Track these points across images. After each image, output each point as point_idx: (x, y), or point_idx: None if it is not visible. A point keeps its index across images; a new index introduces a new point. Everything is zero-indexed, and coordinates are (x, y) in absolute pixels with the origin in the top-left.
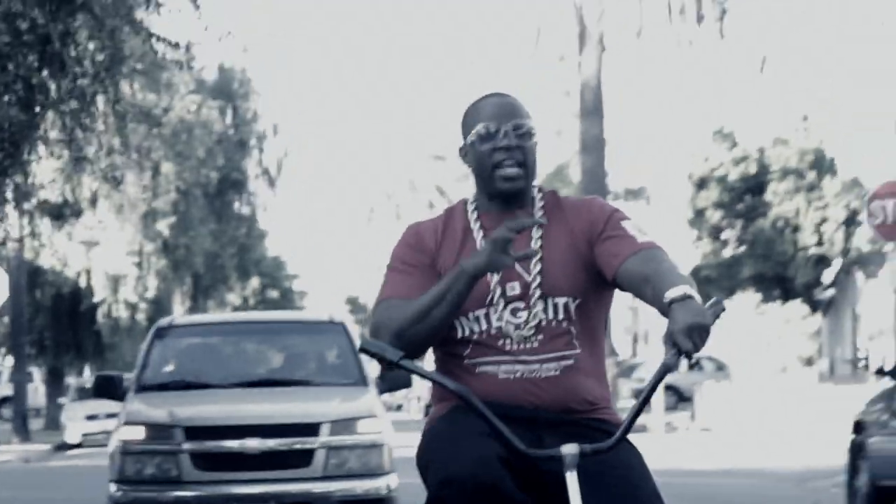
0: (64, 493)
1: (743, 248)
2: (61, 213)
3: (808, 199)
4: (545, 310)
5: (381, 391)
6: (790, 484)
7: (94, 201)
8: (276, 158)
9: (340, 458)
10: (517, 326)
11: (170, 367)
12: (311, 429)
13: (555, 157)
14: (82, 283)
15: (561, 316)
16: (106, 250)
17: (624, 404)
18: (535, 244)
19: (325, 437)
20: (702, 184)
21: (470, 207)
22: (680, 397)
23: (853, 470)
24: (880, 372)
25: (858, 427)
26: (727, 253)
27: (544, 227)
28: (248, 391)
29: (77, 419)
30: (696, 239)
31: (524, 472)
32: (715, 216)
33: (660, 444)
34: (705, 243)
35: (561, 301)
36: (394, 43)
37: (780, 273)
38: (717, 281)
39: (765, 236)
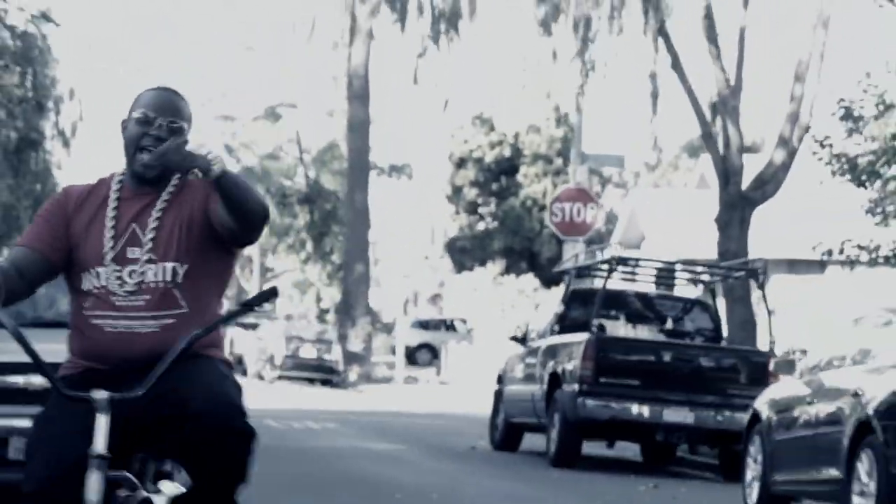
0: None
1: (495, 224)
2: None
3: (555, 182)
4: (155, 273)
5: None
6: (476, 424)
7: None
8: (72, 121)
9: None
10: (123, 284)
11: None
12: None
13: (326, 135)
14: None
15: (168, 278)
16: None
17: (379, 358)
18: (156, 215)
19: None
20: (461, 163)
21: (116, 179)
22: (434, 354)
23: (495, 411)
24: (514, 339)
25: (500, 379)
26: (481, 227)
27: (168, 202)
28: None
29: None
30: (455, 213)
31: (132, 433)
32: (471, 193)
33: (397, 393)
34: (462, 217)
35: (169, 266)
36: (176, 16)
37: (527, 247)
38: (471, 251)
39: (515, 213)
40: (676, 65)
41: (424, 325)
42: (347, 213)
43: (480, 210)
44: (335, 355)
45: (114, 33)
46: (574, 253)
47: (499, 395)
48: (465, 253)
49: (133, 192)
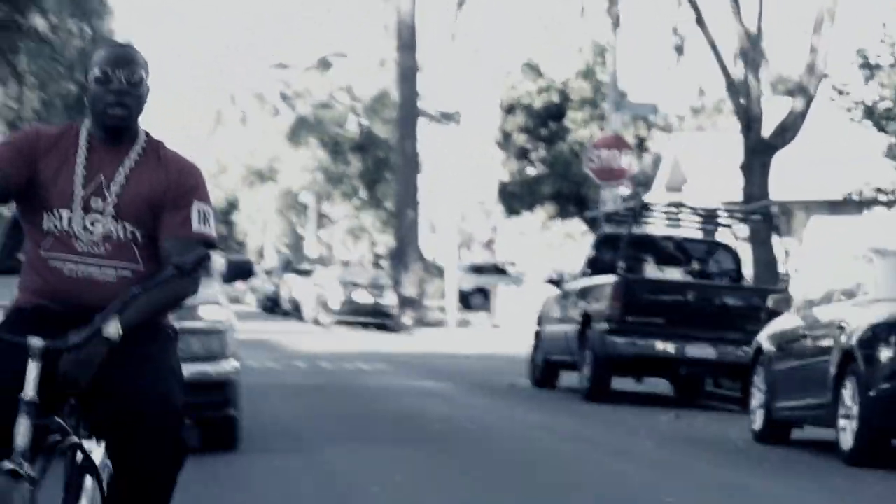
0: None
1: (544, 169)
2: None
3: (601, 127)
4: (116, 228)
5: (225, 281)
6: (521, 364)
7: None
8: None
9: (184, 343)
10: (88, 231)
11: None
12: None
13: (377, 83)
14: None
15: (129, 237)
16: None
17: (433, 303)
18: (124, 172)
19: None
20: (510, 110)
21: (84, 131)
22: (487, 298)
23: (534, 350)
24: (550, 281)
25: (539, 320)
26: (531, 172)
27: (138, 164)
28: None
29: None
30: (504, 159)
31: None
32: (521, 139)
33: (449, 336)
34: (512, 163)
35: (129, 227)
36: None
37: (574, 191)
38: (521, 196)
39: (563, 158)
40: (700, 20)
41: (478, 269)
42: (398, 161)
43: (530, 156)
44: (389, 300)
45: None
46: (611, 198)
47: (537, 336)
48: (515, 198)
49: (101, 145)
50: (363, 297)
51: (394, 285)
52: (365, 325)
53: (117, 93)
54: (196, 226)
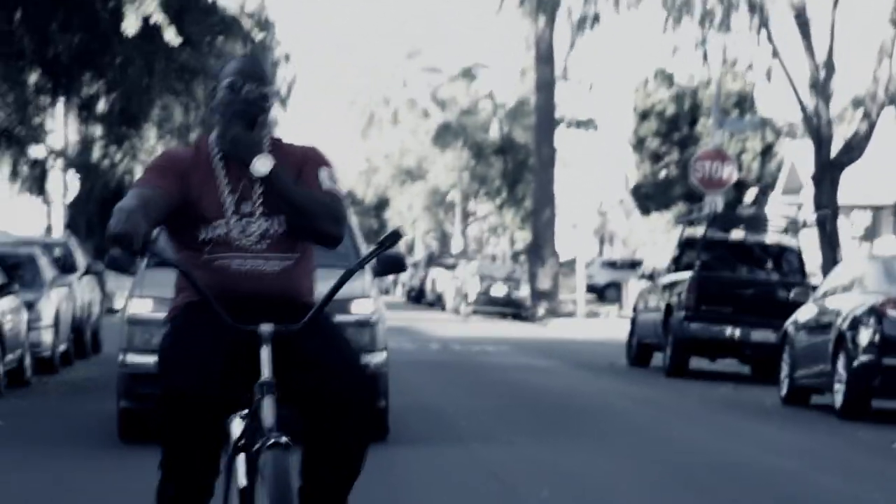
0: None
1: (676, 171)
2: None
3: (731, 133)
4: (270, 225)
5: (376, 274)
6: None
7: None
8: (287, 82)
9: None
10: (246, 234)
11: None
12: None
13: (518, 91)
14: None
15: (283, 229)
16: None
17: (568, 296)
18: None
19: None
20: (644, 116)
21: (213, 143)
22: (619, 291)
23: (630, 334)
24: (642, 276)
25: (634, 309)
26: (663, 174)
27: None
28: None
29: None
30: (639, 162)
31: (246, 365)
32: (654, 143)
33: (578, 326)
34: (646, 166)
35: (281, 219)
36: None
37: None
38: (654, 197)
39: None
40: (776, 53)
41: (612, 264)
42: (536, 164)
43: (664, 159)
44: (523, 292)
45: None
46: (712, 204)
47: (633, 322)
48: (648, 198)
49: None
50: (499, 290)
51: (530, 279)
52: (502, 315)
53: (244, 101)
54: (327, 184)
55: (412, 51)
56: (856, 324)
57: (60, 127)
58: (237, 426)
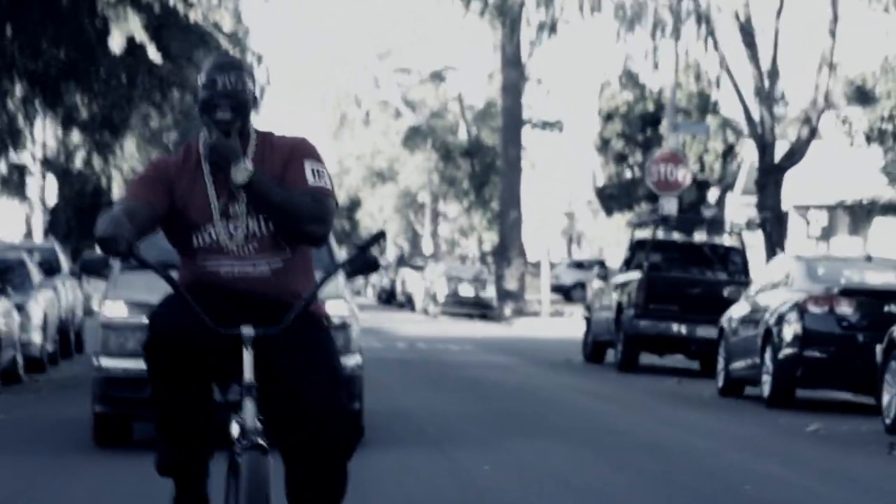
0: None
1: (640, 173)
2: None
3: (693, 134)
4: (257, 225)
5: (348, 275)
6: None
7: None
8: (260, 85)
9: None
10: (232, 237)
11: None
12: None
13: (485, 95)
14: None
15: (271, 230)
16: None
17: (534, 296)
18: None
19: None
20: (608, 118)
21: (202, 143)
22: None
23: (586, 332)
24: (598, 276)
25: (588, 308)
26: (627, 175)
27: (256, 159)
28: None
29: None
30: (604, 163)
31: (226, 352)
32: (619, 145)
33: (543, 325)
34: (610, 167)
35: (266, 220)
36: None
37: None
38: (618, 198)
39: None
40: (723, 62)
41: (579, 265)
42: (503, 166)
43: (627, 160)
44: (490, 293)
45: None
46: (666, 206)
47: (588, 320)
48: (612, 199)
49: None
50: (466, 291)
51: (496, 279)
52: (469, 316)
53: (223, 95)
54: (311, 179)
55: (383, 52)
56: (781, 319)
57: (39, 133)
58: (236, 428)
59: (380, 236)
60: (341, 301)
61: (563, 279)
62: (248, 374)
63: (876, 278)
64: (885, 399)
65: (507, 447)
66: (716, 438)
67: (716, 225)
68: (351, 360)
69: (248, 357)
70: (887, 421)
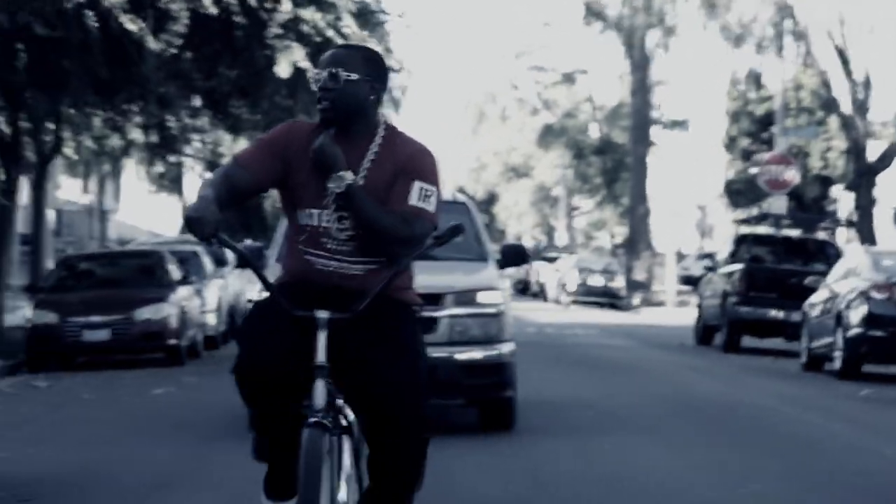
0: None
1: None
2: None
3: (817, 133)
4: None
5: (500, 266)
6: None
7: None
8: (401, 88)
9: (462, 326)
10: (337, 231)
11: None
12: (435, 299)
13: (616, 96)
14: None
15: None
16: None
17: (663, 287)
18: (365, 166)
19: (448, 306)
20: (735, 117)
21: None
22: None
23: (697, 318)
24: (706, 268)
25: (699, 296)
26: (753, 171)
27: (378, 156)
28: None
29: None
30: (730, 160)
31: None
32: (744, 142)
33: (668, 313)
34: (737, 164)
35: None
36: None
37: (794, 189)
38: (745, 193)
39: None
40: (823, 74)
41: (707, 256)
42: (632, 163)
43: (753, 157)
44: (619, 283)
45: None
46: (775, 204)
47: (699, 307)
48: (739, 194)
49: (343, 142)
50: (596, 281)
51: (625, 270)
52: (599, 305)
53: (321, 90)
54: (414, 201)
55: (519, 52)
56: (849, 304)
57: (205, 138)
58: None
59: (456, 231)
60: (495, 291)
61: (693, 270)
62: (321, 355)
63: None
64: None
65: (621, 417)
66: (786, 401)
67: (807, 221)
68: (504, 348)
69: (321, 338)
70: None
